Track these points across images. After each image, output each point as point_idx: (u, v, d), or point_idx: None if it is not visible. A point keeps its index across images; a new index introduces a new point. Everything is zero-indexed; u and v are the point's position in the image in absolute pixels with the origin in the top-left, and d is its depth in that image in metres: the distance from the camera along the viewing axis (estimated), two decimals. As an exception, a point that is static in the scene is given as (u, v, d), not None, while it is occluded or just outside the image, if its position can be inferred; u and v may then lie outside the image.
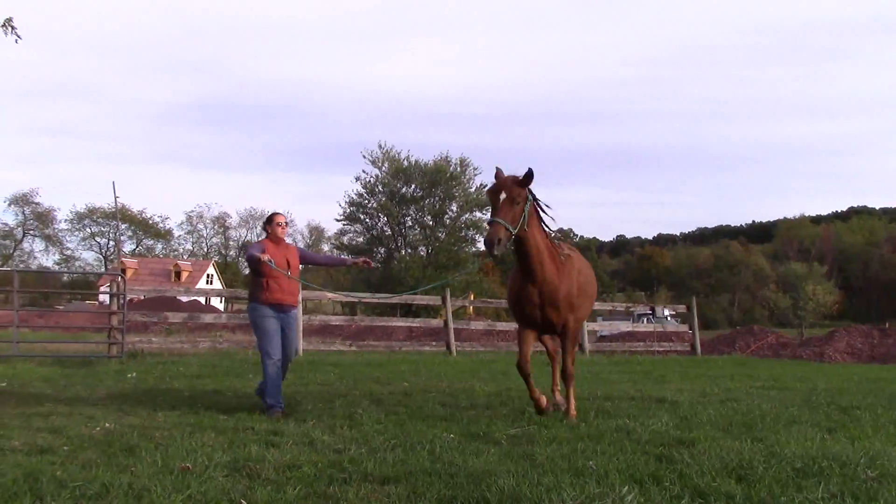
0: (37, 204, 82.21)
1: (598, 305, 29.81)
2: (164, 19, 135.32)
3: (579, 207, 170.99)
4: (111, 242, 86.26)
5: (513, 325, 24.67)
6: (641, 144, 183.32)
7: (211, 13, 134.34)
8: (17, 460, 5.16)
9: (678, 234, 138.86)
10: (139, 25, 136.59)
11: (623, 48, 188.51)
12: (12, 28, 11.46)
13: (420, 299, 27.63)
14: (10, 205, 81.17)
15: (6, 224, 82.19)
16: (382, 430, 6.53)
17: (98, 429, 6.56)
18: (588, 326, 19.99)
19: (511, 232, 6.66)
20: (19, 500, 4.07)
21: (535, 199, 7.11)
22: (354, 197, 58.26)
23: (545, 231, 7.28)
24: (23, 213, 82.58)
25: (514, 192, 6.76)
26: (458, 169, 56.53)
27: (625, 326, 29.04)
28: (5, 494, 4.17)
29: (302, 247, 7.20)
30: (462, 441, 6.07)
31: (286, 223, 8.47)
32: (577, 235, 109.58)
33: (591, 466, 4.99)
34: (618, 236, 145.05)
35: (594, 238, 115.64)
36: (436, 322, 20.28)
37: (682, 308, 27.28)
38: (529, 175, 6.86)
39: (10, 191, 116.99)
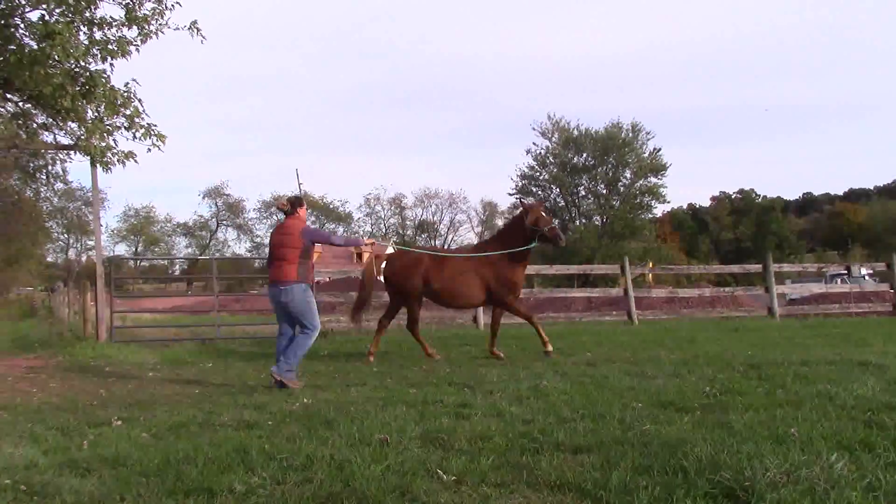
0: (227, 195, 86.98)
1: (786, 267, 28.93)
2: (326, 8, 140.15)
3: (760, 166, 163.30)
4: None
5: (695, 292, 24.05)
6: (822, 95, 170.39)
7: None
8: (228, 434, 5.52)
9: (872, 188, 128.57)
10: (299, 21, 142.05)
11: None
12: (198, 30, 12.11)
13: (598, 269, 27.47)
14: (204, 198, 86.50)
15: (202, 216, 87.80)
16: (569, 401, 6.49)
17: (297, 404, 6.91)
18: (777, 289, 19.07)
19: None
20: (233, 471, 4.35)
21: None
22: (526, 170, 58.56)
23: None
24: (216, 204, 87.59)
25: None
26: (631, 134, 55.38)
27: (817, 288, 27.59)
28: (220, 465, 4.47)
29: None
30: (652, 410, 5.96)
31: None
32: (758, 196, 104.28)
33: (793, 433, 4.75)
34: (804, 194, 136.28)
35: (778, 197, 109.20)
36: (615, 291, 19.93)
37: (881, 266, 25.29)
38: None
39: (204, 185, 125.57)
